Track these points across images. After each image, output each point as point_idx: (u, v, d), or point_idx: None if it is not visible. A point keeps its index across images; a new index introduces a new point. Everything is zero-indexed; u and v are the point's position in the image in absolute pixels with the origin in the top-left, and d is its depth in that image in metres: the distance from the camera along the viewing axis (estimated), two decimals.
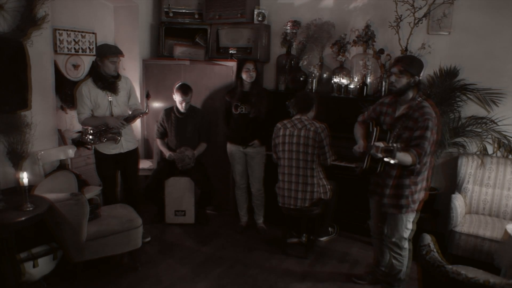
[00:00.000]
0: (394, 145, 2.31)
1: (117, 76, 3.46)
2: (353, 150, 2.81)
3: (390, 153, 2.31)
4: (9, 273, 2.54)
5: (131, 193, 3.74)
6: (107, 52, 3.33)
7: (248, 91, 3.83)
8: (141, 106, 3.95)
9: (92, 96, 3.37)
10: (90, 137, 3.40)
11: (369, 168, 2.65)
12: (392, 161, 2.36)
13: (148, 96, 3.49)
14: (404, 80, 2.61)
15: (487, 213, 3.55)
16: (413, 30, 3.70)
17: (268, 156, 3.88)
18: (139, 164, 3.87)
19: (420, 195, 2.74)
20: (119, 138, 3.41)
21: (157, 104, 4.54)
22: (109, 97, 3.43)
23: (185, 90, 3.89)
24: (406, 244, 2.83)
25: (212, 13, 4.48)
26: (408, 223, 2.77)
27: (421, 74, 2.65)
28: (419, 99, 2.64)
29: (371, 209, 3.03)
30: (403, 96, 2.68)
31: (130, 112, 3.54)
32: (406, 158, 2.49)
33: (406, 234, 2.80)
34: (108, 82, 3.40)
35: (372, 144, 2.50)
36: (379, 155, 2.36)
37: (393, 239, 2.81)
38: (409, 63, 2.62)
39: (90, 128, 3.39)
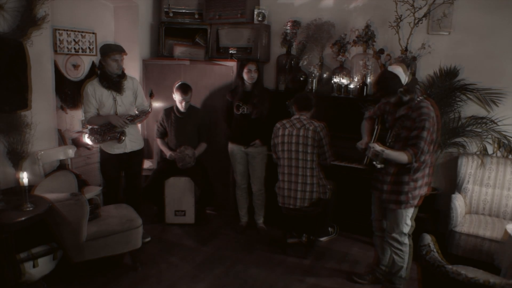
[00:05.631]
0: (384, 150, 2.60)
1: (123, 76, 3.49)
2: (356, 146, 2.89)
3: (376, 157, 2.61)
4: (9, 273, 2.54)
5: (133, 193, 3.74)
6: (108, 50, 3.35)
7: (250, 91, 3.82)
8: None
9: (97, 95, 3.42)
10: (95, 135, 3.44)
11: (370, 164, 2.75)
12: (378, 166, 2.63)
13: (152, 95, 3.50)
14: (393, 98, 2.69)
15: (487, 213, 3.55)
16: (413, 30, 3.70)
17: (269, 156, 3.88)
18: (143, 165, 3.87)
19: (421, 191, 2.77)
20: (123, 137, 3.43)
21: (157, 104, 4.54)
22: (114, 96, 3.45)
23: (185, 89, 3.90)
24: (406, 240, 2.85)
25: (212, 13, 4.48)
26: (408, 218, 2.80)
27: (404, 79, 2.62)
28: (418, 99, 2.67)
29: (372, 203, 3.05)
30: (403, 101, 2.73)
31: (136, 112, 3.55)
32: (402, 157, 2.60)
33: (406, 229, 2.83)
34: (113, 81, 3.43)
35: (371, 142, 2.68)
36: (370, 155, 2.63)
37: (393, 234, 2.85)
38: (385, 88, 2.67)
39: (96, 126, 3.45)
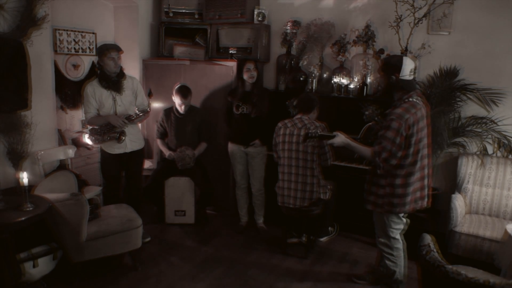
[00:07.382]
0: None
1: (122, 75, 3.49)
2: None
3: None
4: (9, 273, 2.54)
5: (133, 193, 3.74)
6: (104, 49, 3.36)
7: (249, 91, 3.82)
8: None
9: (97, 96, 3.43)
10: (95, 135, 3.45)
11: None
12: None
13: (150, 95, 3.50)
14: (383, 81, 2.69)
15: (487, 213, 3.55)
16: (413, 30, 3.70)
17: (269, 156, 3.88)
18: (143, 164, 3.87)
19: (403, 201, 2.64)
20: (123, 137, 3.43)
21: (157, 104, 4.54)
22: (114, 96, 3.46)
23: (184, 93, 3.89)
24: (397, 244, 2.81)
25: (212, 13, 4.48)
26: (393, 223, 2.75)
27: (400, 74, 2.59)
28: (407, 100, 2.60)
29: None
30: (394, 97, 2.71)
31: (137, 112, 3.55)
32: (366, 152, 2.64)
33: (394, 233, 2.78)
34: (112, 81, 3.44)
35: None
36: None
37: (381, 239, 2.84)
38: (384, 64, 2.69)
39: (96, 126, 3.46)
